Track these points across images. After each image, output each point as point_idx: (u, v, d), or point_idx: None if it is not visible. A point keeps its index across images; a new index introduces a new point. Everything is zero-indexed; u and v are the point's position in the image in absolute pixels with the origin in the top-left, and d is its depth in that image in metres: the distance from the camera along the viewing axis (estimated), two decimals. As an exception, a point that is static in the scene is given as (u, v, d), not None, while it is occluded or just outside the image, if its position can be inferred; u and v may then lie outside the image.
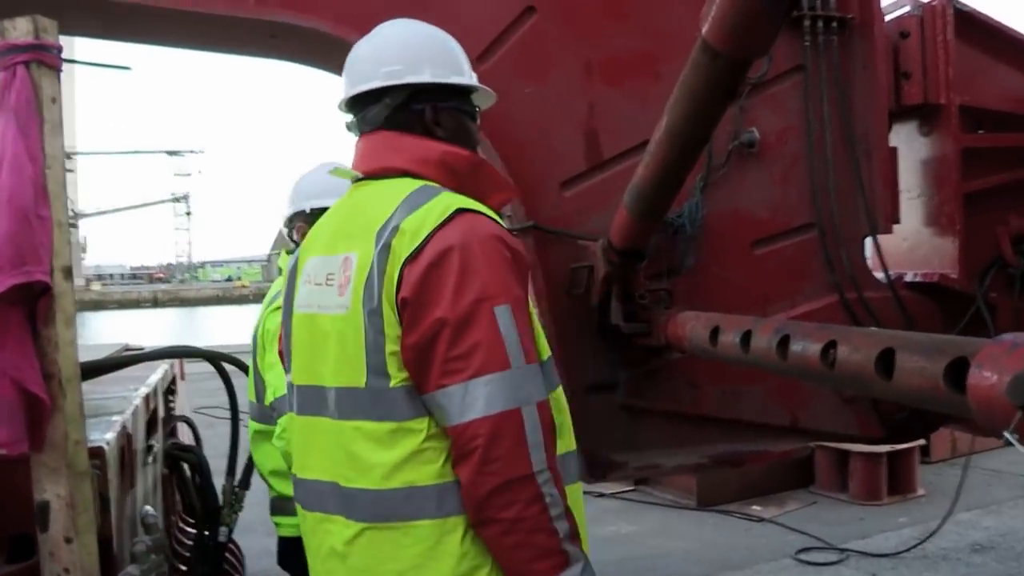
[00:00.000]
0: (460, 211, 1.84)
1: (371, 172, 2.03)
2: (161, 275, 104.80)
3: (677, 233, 4.06)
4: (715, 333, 3.10)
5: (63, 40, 2.15)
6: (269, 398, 3.16)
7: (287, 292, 2.13)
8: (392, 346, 1.80)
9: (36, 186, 1.99)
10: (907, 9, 4.51)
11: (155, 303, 78.12)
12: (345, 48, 3.86)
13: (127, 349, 4.89)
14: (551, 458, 1.79)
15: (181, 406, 4.73)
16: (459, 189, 1.97)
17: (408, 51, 2.06)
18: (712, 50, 2.52)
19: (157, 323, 53.72)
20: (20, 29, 2.04)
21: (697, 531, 6.65)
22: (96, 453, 2.39)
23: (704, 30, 2.50)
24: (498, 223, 1.90)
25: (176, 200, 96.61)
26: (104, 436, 2.59)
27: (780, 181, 4.27)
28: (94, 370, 3.06)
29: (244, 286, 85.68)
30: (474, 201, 1.91)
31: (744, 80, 2.69)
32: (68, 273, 2.13)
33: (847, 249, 4.25)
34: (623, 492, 7.46)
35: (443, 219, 1.82)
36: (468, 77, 2.12)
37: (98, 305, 73.56)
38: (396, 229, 1.82)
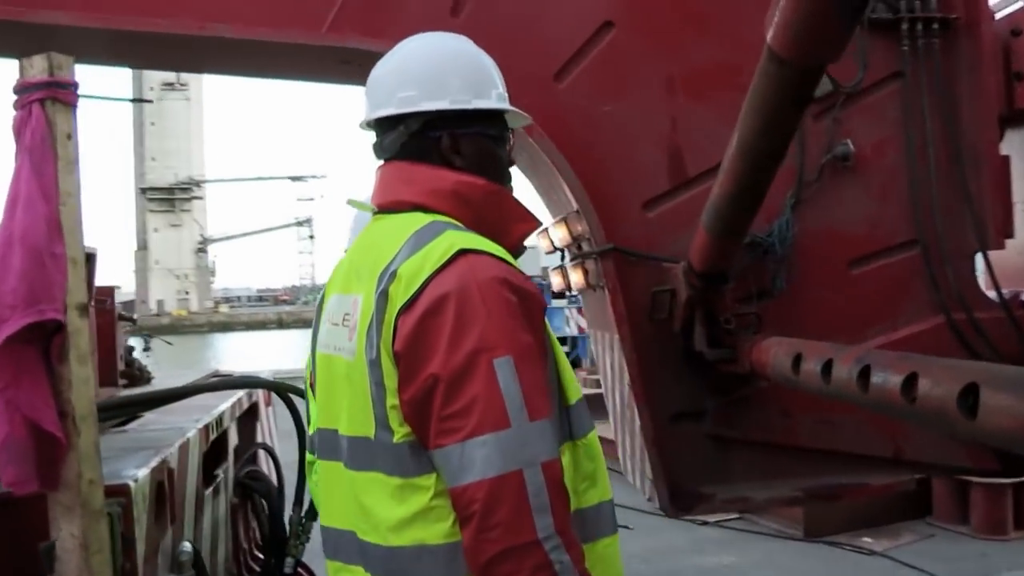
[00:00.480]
0: (461, 252, 1.69)
1: (384, 206, 1.92)
2: (286, 297, 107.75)
3: (767, 253, 3.85)
4: (797, 361, 2.90)
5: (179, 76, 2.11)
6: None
7: (313, 328, 2.05)
8: (392, 399, 1.69)
9: (50, 224, 1.98)
10: (1020, 5, 4.21)
11: (280, 324, 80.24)
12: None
13: (216, 375, 4.93)
14: (561, 521, 1.63)
15: (265, 433, 4.74)
16: (477, 222, 1.84)
17: (427, 73, 1.92)
18: (778, 58, 2.34)
19: (282, 344, 55.25)
20: (36, 67, 2.04)
21: (803, 564, 6.33)
22: (119, 491, 2.35)
23: (768, 37, 2.32)
24: (506, 262, 1.74)
25: (299, 224, 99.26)
26: (133, 472, 2.55)
27: (879, 196, 4.01)
28: (150, 402, 3.06)
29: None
30: (482, 239, 1.77)
31: (814, 88, 2.48)
32: (84, 310, 2.11)
33: (954, 266, 3.95)
34: (726, 521, 7.17)
35: (442, 262, 1.68)
36: (495, 99, 1.97)
37: (226, 327, 76.09)
38: (394, 274, 1.71)
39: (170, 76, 77.65)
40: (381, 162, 1.98)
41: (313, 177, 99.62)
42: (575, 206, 3.84)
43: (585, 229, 3.84)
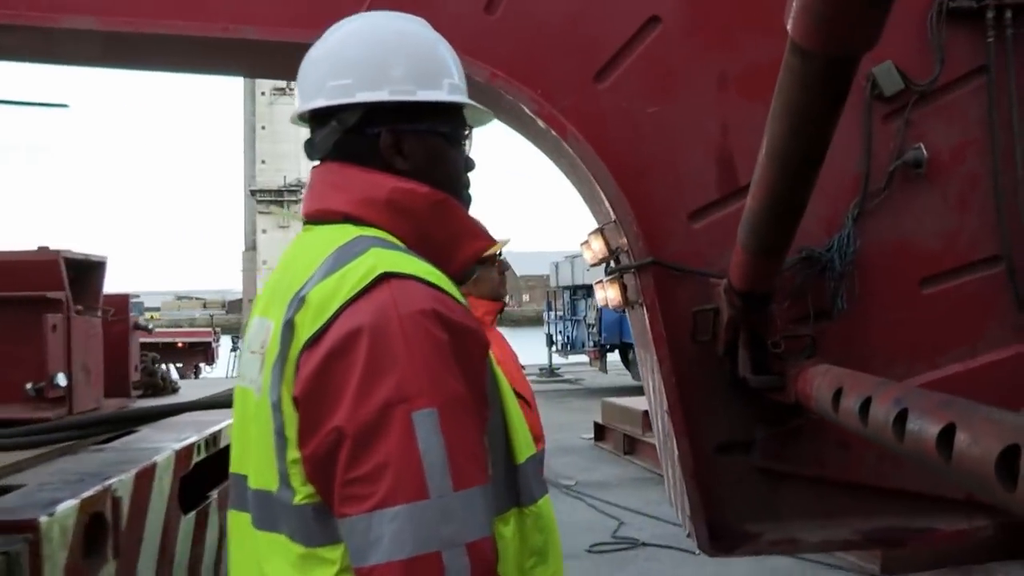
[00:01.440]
0: (384, 277, 1.40)
1: (311, 215, 1.63)
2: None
3: (825, 270, 3.49)
4: (838, 396, 2.56)
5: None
6: None
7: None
8: (293, 452, 1.40)
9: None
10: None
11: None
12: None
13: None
14: None
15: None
16: (418, 238, 1.57)
17: (365, 58, 1.62)
18: (800, 49, 2.02)
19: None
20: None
21: (881, 603, 5.85)
22: (25, 527, 2.14)
23: (788, 25, 2.01)
24: (441, 291, 1.44)
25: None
26: (51, 505, 2.33)
27: (956, 206, 3.60)
28: (139, 418, 2.89)
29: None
30: (415, 260, 1.48)
31: (847, 82, 2.14)
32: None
33: (1042, 286, 3.52)
34: (801, 551, 6.70)
35: (359, 289, 1.39)
36: (448, 90, 1.66)
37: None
38: (302, 301, 1.42)
39: (280, 81, 79.41)
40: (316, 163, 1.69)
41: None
42: (613, 216, 3.55)
43: (623, 241, 3.54)
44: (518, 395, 3.50)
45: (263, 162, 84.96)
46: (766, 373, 3.29)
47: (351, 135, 1.62)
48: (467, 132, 1.75)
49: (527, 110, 3.53)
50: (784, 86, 2.19)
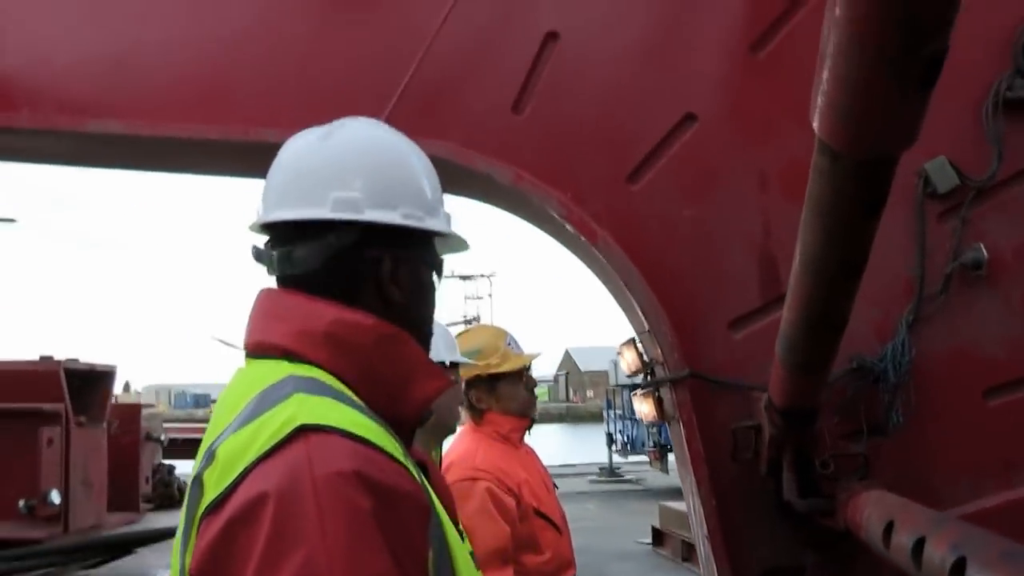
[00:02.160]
0: (302, 430, 1.21)
1: (249, 348, 1.45)
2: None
3: (878, 381, 3.22)
4: (889, 529, 2.28)
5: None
6: None
7: None
8: None
9: None
10: None
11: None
12: (475, 178, 3.51)
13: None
14: None
15: None
16: (364, 379, 1.37)
17: (377, 174, 1.47)
18: (830, 150, 1.82)
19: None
20: None
21: None
22: None
23: (815, 123, 1.81)
24: (370, 446, 1.24)
25: (467, 322, 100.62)
26: None
27: (1021, 309, 3.31)
28: (129, 543, 2.70)
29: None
30: (343, 409, 1.28)
31: (885, 186, 1.92)
32: None
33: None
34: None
35: (271, 445, 1.20)
36: (444, 219, 1.54)
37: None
38: (212, 455, 1.24)
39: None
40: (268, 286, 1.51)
41: (481, 276, 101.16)
42: (647, 326, 3.34)
43: (658, 352, 3.32)
44: (546, 520, 3.28)
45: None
46: (814, 495, 3.01)
47: (345, 256, 1.44)
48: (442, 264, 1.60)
49: (555, 214, 3.38)
50: (815, 190, 1.99)
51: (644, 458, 21.12)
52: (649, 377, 3.46)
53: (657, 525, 11.76)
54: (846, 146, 1.76)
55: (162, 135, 3.59)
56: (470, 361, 2.87)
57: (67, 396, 3.36)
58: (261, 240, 1.55)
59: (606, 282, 3.67)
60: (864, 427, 3.20)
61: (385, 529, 1.18)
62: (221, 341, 1.64)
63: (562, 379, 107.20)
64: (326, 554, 1.13)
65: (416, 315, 1.50)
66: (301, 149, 1.54)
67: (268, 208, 1.52)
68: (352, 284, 1.44)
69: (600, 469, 22.17)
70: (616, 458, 22.43)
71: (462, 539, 1.47)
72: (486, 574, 2.99)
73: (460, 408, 2.93)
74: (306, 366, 1.36)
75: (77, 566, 2.98)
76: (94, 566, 2.99)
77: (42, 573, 2.86)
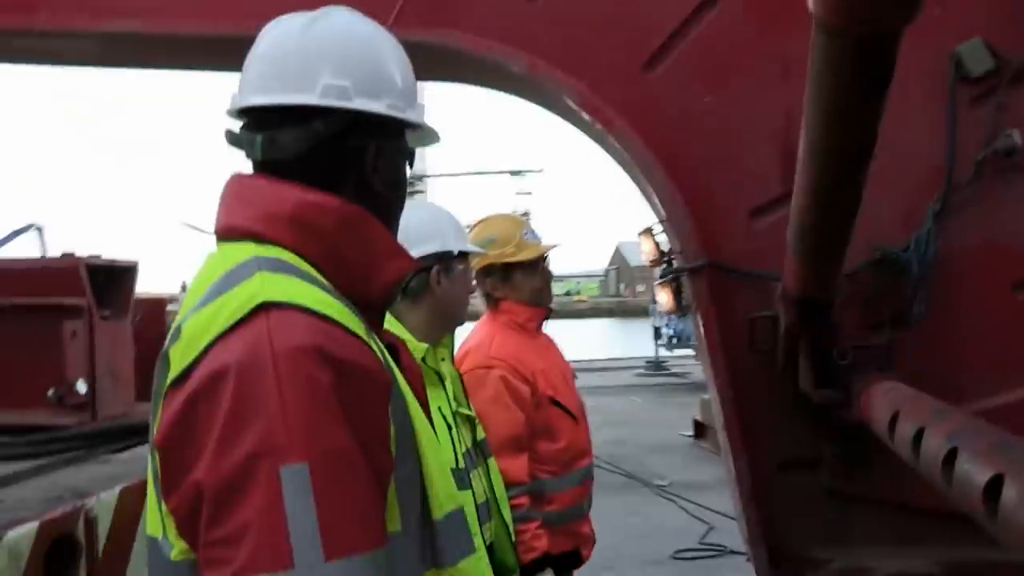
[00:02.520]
0: (263, 307, 1.21)
1: (218, 233, 1.44)
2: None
3: (902, 272, 3.14)
4: (894, 421, 2.25)
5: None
6: None
7: None
8: (167, 503, 1.23)
9: None
10: None
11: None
12: (489, 67, 3.44)
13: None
14: None
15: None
16: (330, 260, 1.37)
17: (367, 63, 1.44)
18: (826, 26, 1.74)
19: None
20: None
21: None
22: None
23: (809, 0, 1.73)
24: (331, 322, 1.23)
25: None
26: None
27: (1055, 199, 3.20)
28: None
29: (582, 300, 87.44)
30: (305, 287, 1.28)
31: (887, 65, 1.82)
32: None
33: None
34: None
35: (233, 321, 1.20)
36: (420, 111, 1.51)
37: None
38: (178, 331, 1.26)
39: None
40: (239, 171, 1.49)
41: (531, 171, 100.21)
42: (664, 214, 3.29)
43: (676, 241, 3.28)
44: (562, 408, 3.29)
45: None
46: (830, 386, 2.99)
47: (332, 144, 1.42)
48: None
49: (570, 102, 3.30)
50: (814, 71, 1.91)
51: (691, 351, 21.16)
52: (668, 266, 3.41)
53: (699, 418, 11.83)
54: (843, 21, 1.68)
55: (180, 32, 3.56)
56: (479, 249, 2.83)
57: (89, 290, 3.45)
58: (235, 126, 1.53)
59: (626, 170, 3.60)
60: (887, 319, 3.15)
61: (344, 403, 1.18)
62: (191, 226, 1.62)
63: (612, 274, 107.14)
64: (284, 426, 1.13)
65: (391, 203, 1.50)
66: (283, 36, 1.49)
67: (248, 93, 1.48)
68: (335, 171, 1.43)
69: (647, 363, 22.25)
70: (663, 352, 22.47)
71: (433, 428, 1.47)
72: (500, 461, 3.05)
73: (471, 298, 2.88)
74: (272, 247, 1.36)
75: (103, 450, 3.11)
76: (119, 451, 3.11)
77: (69, 456, 2.99)
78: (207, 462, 1.14)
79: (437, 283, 2.70)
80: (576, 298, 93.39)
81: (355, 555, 1.15)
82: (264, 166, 1.45)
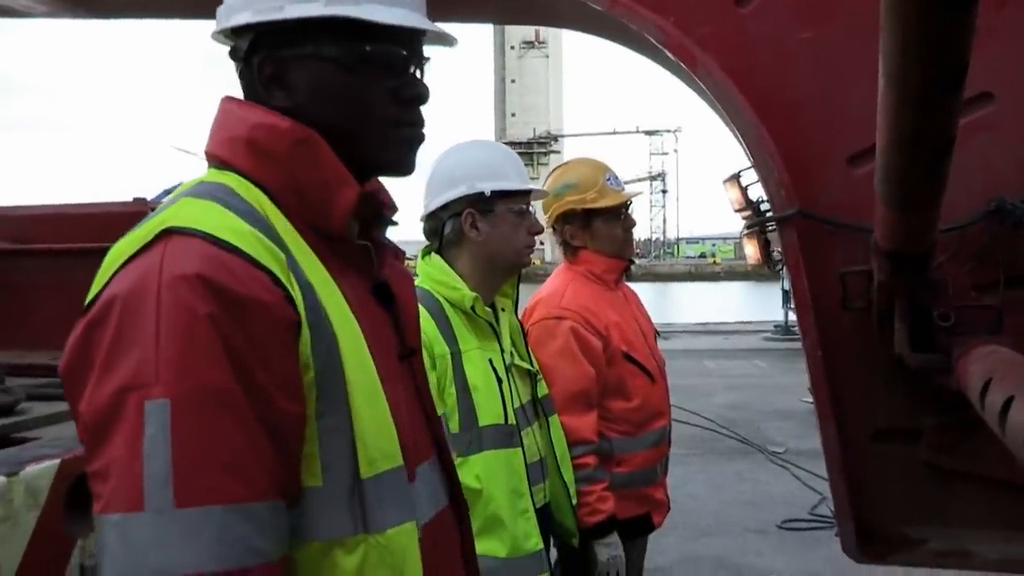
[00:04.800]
0: (166, 233, 1.16)
1: (206, 158, 1.38)
2: (637, 250, 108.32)
3: (1020, 226, 2.82)
4: (985, 388, 2.00)
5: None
6: None
7: None
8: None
9: None
10: None
11: (629, 277, 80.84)
12: (565, 5, 3.24)
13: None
14: None
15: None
16: (286, 186, 1.29)
17: None
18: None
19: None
20: None
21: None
22: None
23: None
24: (235, 252, 1.15)
25: (653, 178, 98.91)
26: (19, 466, 2.18)
27: None
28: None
29: (716, 263, 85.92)
30: (221, 212, 1.20)
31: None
32: None
33: None
34: None
35: (138, 247, 1.16)
36: (326, 2, 1.31)
37: (577, 278, 78.19)
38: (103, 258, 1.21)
39: (529, 34, 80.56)
40: None
41: (667, 131, 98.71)
42: (752, 160, 3.04)
43: (765, 189, 3.03)
44: (637, 365, 3.11)
45: (513, 115, 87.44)
46: (929, 351, 2.71)
47: (245, 62, 1.37)
48: (404, 54, 1.39)
49: (653, 40, 3.08)
50: (887, -13, 1.66)
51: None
52: (755, 216, 3.16)
53: (822, 384, 11.37)
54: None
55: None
56: (516, 186, 2.64)
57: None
58: None
59: (716, 113, 3.36)
60: (1001, 277, 2.84)
61: (227, 338, 1.10)
62: (180, 149, 1.58)
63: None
64: (155, 359, 1.07)
65: (327, 119, 1.33)
66: None
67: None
68: (249, 92, 1.38)
69: (775, 327, 21.64)
70: (792, 316, 21.80)
71: (381, 378, 1.31)
72: (566, 417, 2.90)
73: (533, 242, 2.67)
74: (227, 173, 1.30)
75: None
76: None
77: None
78: (87, 393, 1.10)
79: (472, 228, 2.56)
80: (710, 260, 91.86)
81: (210, 506, 1.05)
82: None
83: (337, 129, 1.33)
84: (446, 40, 1.44)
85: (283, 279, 1.17)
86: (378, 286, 1.41)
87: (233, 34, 1.37)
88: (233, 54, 1.37)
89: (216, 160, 1.33)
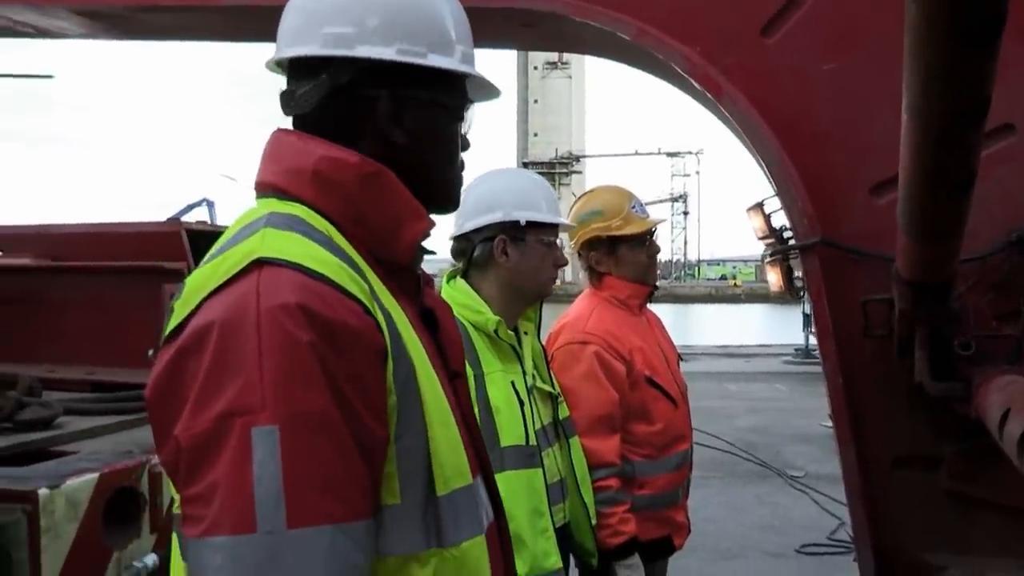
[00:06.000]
0: (257, 263, 1.18)
1: (255, 189, 1.42)
2: (660, 272, 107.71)
3: (1040, 254, 2.86)
4: (1004, 418, 2.03)
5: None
6: None
7: None
8: (159, 457, 1.23)
9: None
10: None
11: (650, 299, 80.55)
12: (594, 34, 3.31)
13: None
14: None
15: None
16: (351, 217, 1.34)
17: (371, 7, 1.38)
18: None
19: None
20: None
21: None
22: (24, 497, 2.09)
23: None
24: (325, 282, 1.19)
25: (674, 200, 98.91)
26: (60, 479, 2.25)
27: None
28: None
29: (736, 285, 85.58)
30: (307, 244, 1.24)
31: (999, 13, 1.62)
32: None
33: None
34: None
35: (227, 277, 1.18)
36: (460, 59, 1.43)
37: (598, 298, 78.08)
38: (183, 286, 1.25)
39: (552, 55, 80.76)
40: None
41: (689, 153, 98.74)
42: (775, 189, 3.10)
43: (789, 217, 3.08)
44: (660, 390, 3.15)
45: (535, 135, 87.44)
46: (949, 379, 2.74)
47: (341, 95, 1.38)
48: (469, 108, 1.50)
49: (679, 70, 3.14)
50: (908, 21, 1.72)
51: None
52: (779, 243, 3.21)
53: (843, 409, 11.35)
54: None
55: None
56: (550, 219, 2.71)
57: (189, 254, 3.57)
58: None
59: (741, 140, 3.42)
60: (1022, 307, 2.88)
61: (326, 364, 1.13)
62: (225, 176, 1.62)
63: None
64: (260, 385, 1.10)
65: (422, 159, 1.43)
66: None
67: (278, 48, 1.48)
68: (348, 124, 1.39)
69: (795, 350, 21.56)
70: (812, 340, 21.70)
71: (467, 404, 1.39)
72: (590, 440, 2.95)
73: (557, 274, 2.76)
74: (292, 203, 1.33)
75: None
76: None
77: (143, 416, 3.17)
78: (184, 418, 1.13)
79: (503, 254, 2.62)
80: (730, 282, 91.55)
81: (319, 526, 1.09)
82: (296, 122, 1.44)
83: (424, 167, 1.42)
84: (495, 94, 1.56)
85: (370, 307, 1.23)
86: (424, 312, 1.47)
87: (320, 63, 1.37)
88: (324, 76, 1.36)
89: (274, 190, 1.36)
